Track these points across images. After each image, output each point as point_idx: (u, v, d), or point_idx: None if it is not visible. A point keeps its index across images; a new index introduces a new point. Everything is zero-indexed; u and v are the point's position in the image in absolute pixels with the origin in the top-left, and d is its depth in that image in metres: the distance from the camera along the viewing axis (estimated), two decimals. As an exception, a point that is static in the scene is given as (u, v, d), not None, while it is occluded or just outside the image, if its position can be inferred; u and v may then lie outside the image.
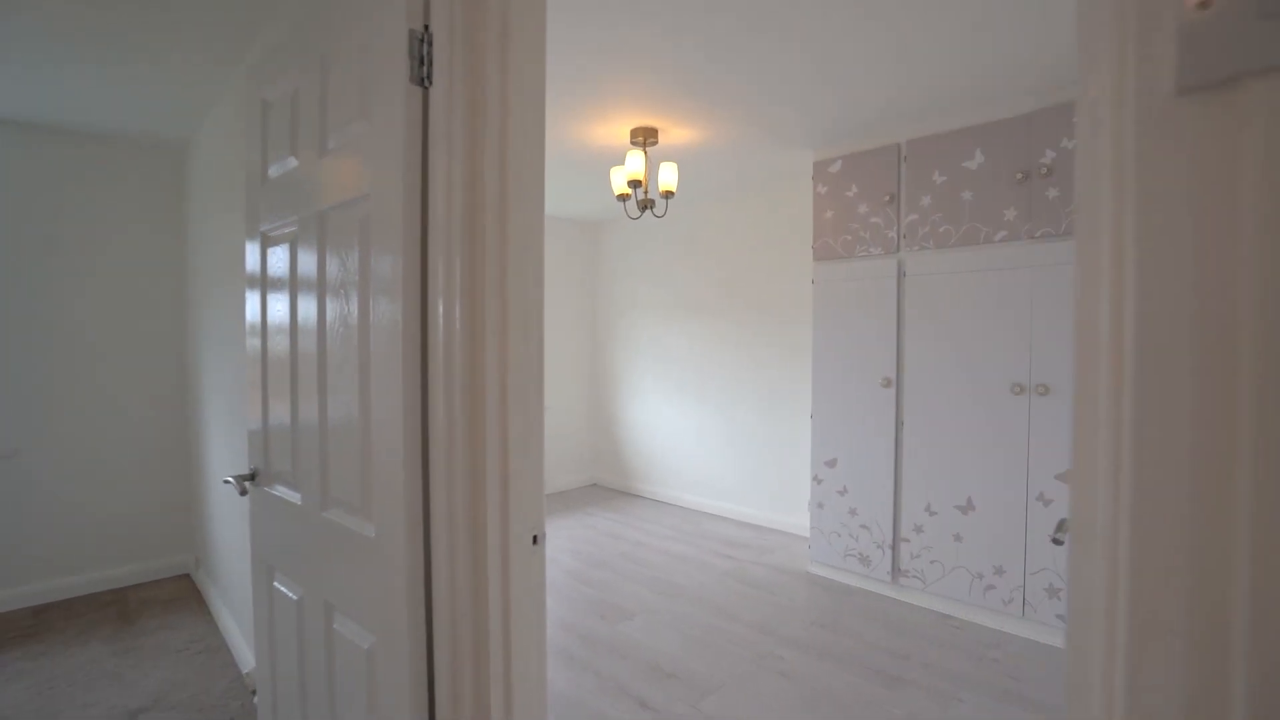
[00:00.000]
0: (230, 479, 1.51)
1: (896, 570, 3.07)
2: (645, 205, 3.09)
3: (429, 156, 1.10)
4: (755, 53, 2.32)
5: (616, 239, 5.40)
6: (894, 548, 3.08)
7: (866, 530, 3.18)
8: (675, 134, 3.11)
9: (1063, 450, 2.54)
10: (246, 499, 1.62)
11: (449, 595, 1.09)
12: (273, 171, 1.48)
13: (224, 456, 2.62)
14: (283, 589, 1.47)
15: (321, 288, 1.30)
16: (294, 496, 1.40)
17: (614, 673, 2.45)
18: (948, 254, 2.87)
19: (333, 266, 1.26)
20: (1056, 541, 1.15)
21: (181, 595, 3.14)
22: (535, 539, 1.14)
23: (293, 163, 1.40)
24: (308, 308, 1.34)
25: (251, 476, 1.56)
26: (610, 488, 5.48)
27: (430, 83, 1.08)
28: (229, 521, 2.57)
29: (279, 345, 1.45)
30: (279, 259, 1.46)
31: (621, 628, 2.82)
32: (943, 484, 2.89)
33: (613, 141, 3.22)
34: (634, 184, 2.96)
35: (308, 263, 1.34)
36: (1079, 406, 0.53)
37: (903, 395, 3.03)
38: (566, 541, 4.01)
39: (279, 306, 1.45)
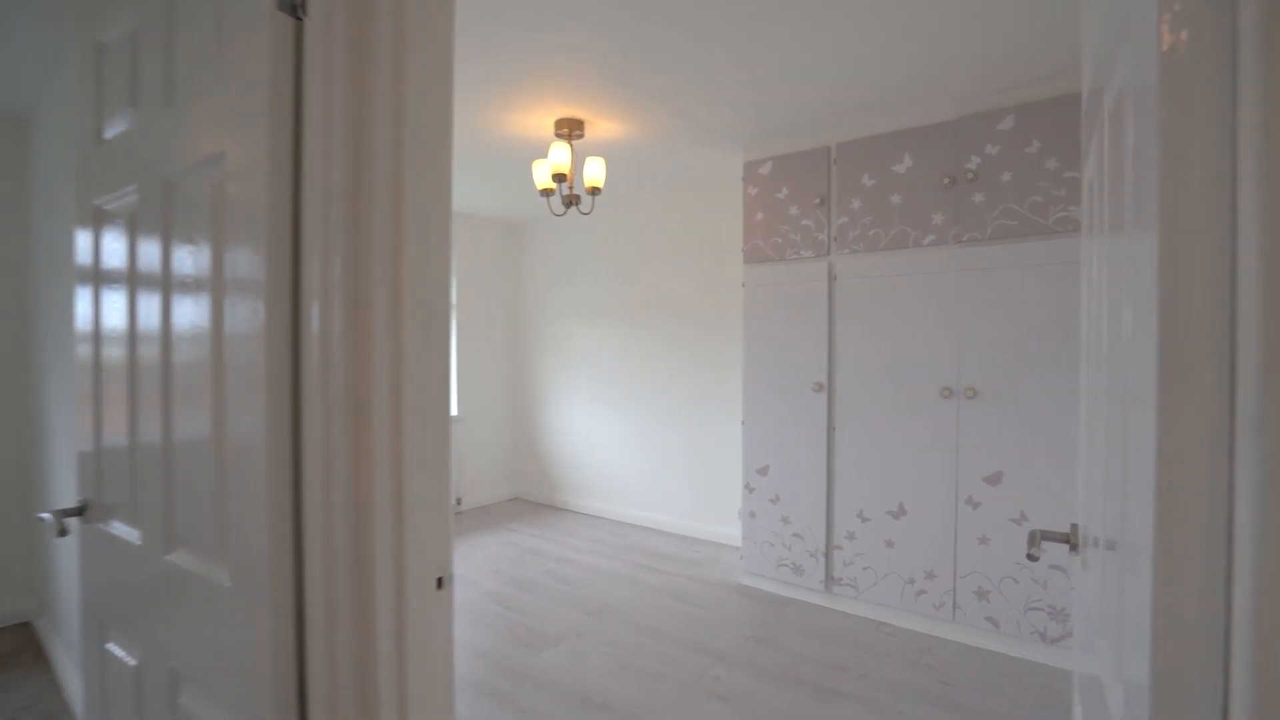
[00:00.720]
0: (48, 514, 1.20)
1: (830, 579, 3.02)
2: (570, 201, 2.91)
3: (302, 109, 0.87)
4: (681, 52, 2.25)
5: (541, 240, 5.17)
6: (827, 556, 3.03)
7: (799, 539, 3.11)
8: (602, 127, 2.94)
9: (990, 453, 2.56)
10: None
11: (325, 659, 0.86)
12: (109, 131, 1.20)
13: (69, 483, 2.20)
14: (118, 652, 1.17)
15: (167, 277, 1.03)
16: (133, 535, 1.12)
17: (539, 707, 2.23)
18: (878, 257, 2.85)
19: (181, 250, 1.01)
20: (1031, 558, 1.06)
21: (19, 648, 2.64)
22: (440, 581, 0.94)
23: (132, 117, 1.12)
24: (150, 303, 1.07)
25: (80, 510, 1.25)
26: (534, 501, 5.22)
27: (305, 12, 0.86)
28: (74, 561, 2.16)
29: (116, 351, 1.17)
30: (115, 243, 1.17)
31: (546, 655, 2.60)
32: (875, 489, 2.86)
33: (536, 133, 3.02)
34: (558, 178, 2.77)
35: (150, 246, 1.07)
36: (1165, 441, 0.40)
37: (834, 400, 2.99)
38: (487, 561, 3.74)
39: (116, 302, 1.17)
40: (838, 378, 2.97)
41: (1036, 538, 1.03)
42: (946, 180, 2.66)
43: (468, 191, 4.21)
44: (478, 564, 3.69)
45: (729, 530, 4.02)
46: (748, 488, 3.30)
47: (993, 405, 2.55)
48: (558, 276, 5.04)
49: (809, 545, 3.08)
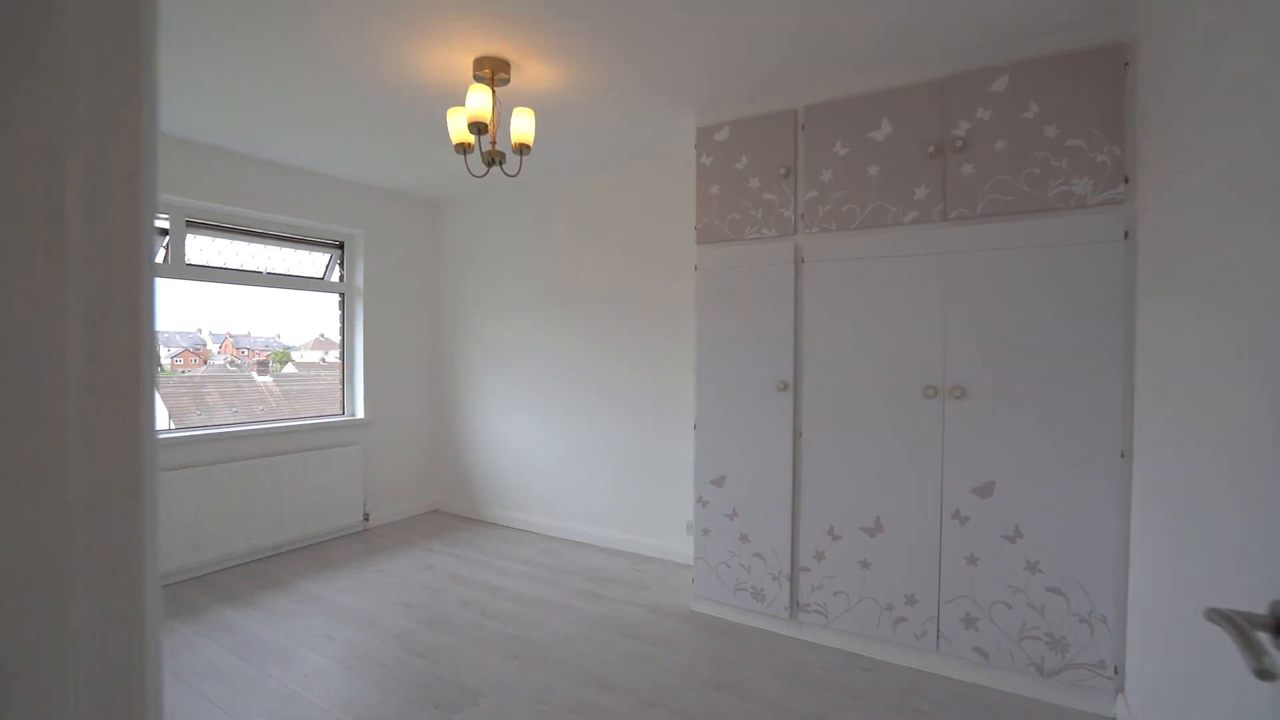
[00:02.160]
0: None
1: (795, 605, 2.65)
2: (492, 160, 2.39)
3: None
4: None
5: (463, 220, 4.59)
6: (792, 579, 2.65)
7: (760, 559, 2.72)
8: (532, 72, 2.44)
9: (980, 460, 2.24)
10: None
11: None
12: None
13: None
14: None
15: None
16: None
17: (448, 803, 1.73)
18: (852, 237, 2.49)
19: None
20: (1267, 675, 0.65)
21: None
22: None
23: None
24: None
25: None
26: (455, 514, 4.64)
27: None
28: None
29: None
30: None
31: (462, 719, 2.10)
32: (848, 503, 2.50)
33: (451, 76, 2.48)
34: (477, 129, 2.25)
35: None
36: None
37: (801, 401, 2.61)
38: (396, 591, 3.16)
39: None
40: (805, 375, 2.60)
41: (1252, 635, 0.62)
42: (931, 149, 2.32)
43: (371, 159, 3.60)
44: (384, 595, 3.11)
45: (677, 546, 3.60)
46: (700, 501, 2.89)
47: (983, 406, 2.23)
48: (483, 262, 4.48)
49: (771, 567, 2.69)
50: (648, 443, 3.72)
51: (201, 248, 3.54)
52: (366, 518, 4.22)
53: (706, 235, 2.86)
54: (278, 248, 3.90)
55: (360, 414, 4.26)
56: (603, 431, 3.90)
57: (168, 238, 3.36)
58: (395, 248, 4.44)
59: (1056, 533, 2.12)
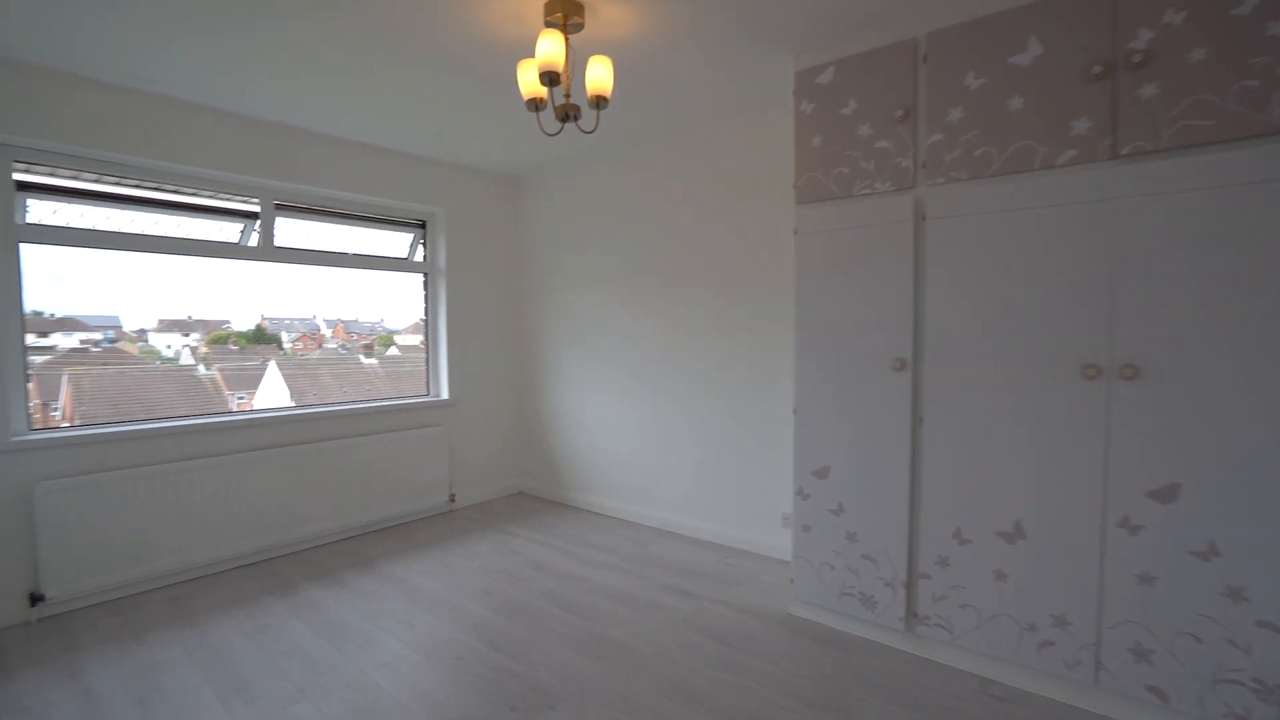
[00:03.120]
0: None
1: (912, 616, 2.30)
2: (566, 115, 2.17)
3: None
4: None
5: (544, 194, 4.44)
6: (909, 586, 2.30)
7: (870, 562, 2.39)
8: (609, 15, 2.19)
9: (1160, 456, 1.80)
10: None
11: None
12: None
13: None
14: None
15: None
16: None
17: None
18: (987, 186, 2.08)
19: None
20: None
21: None
22: None
23: None
24: None
25: None
26: (539, 497, 4.56)
27: None
28: None
29: None
30: None
31: (539, 726, 1.94)
32: (979, 502, 2.12)
33: (521, 29, 2.27)
34: (549, 80, 2.03)
35: None
36: None
37: (922, 382, 2.24)
38: (478, 577, 3.08)
39: None
40: (927, 352, 2.22)
41: None
42: (1097, 69, 1.86)
43: (448, 132, 3.48)
44: (465, 581, 3.03)
45: (773, 540, 3.31)
46: (800, 493, 2.58)
47: (1165, 389, 1.79)
48: (565, 237, 4.31)
49: (884, 571, 2.35)
50: (741, 427, 3.43)
51: (290, 230, 3.58)
52: (452, 499, 4.21)
53: (808, 194, 2.51)
54: (363, 228, 3.90)
55: (445, 395, 4.23)
56: (691, 414, 3.65)
57: (258, 221, 3.41)
58: (476, 225, 4.37)
59: (1269, 553, 1.66)
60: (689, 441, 3.67)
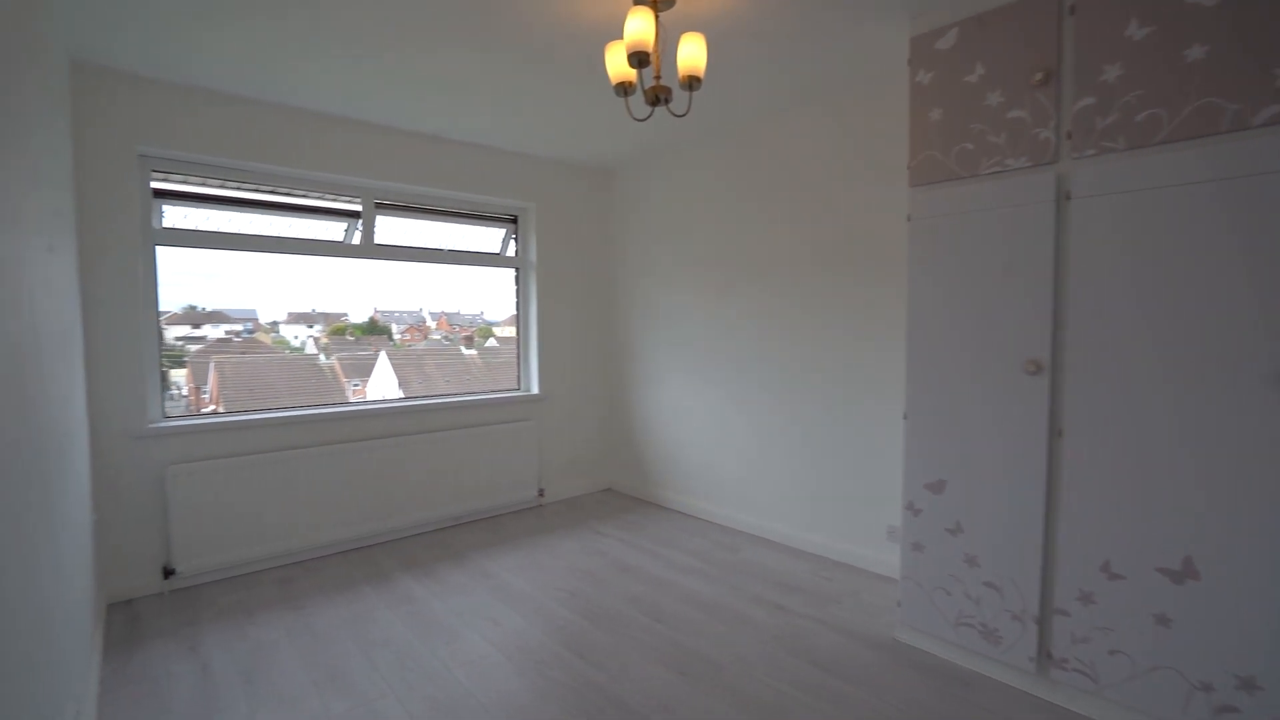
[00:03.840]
0: None
1: (1046, 657, 2.00)
2: (657, 97, 2.04)
3: None
4: None
5: (635, 186, 4.34)
6: (1043, 622, 2.00)
7: (994, 591, 2.10)
8: (702, -12, 2.03)
9: (1396, 490, 1.42)
10: None
11: None
12: None
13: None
14: None
15: None
16: None
17: None
18: (1155, 156, 1.74)
19: None
20: None
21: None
22: None
23: None
24: None
25: None
26: (628, 494, 4.49)
27: None
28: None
29: None
30: None
31: (620, 745, 1.84)
32: (1136, 532, 1.79)
33: (611, 11, 2.16)
34: (638, 61, 1.91)
35: None
36: None
37: (1063, 388, 1.93)
38: (564, 577, 3.04)
39: None
40: (1070, 354, 1.90)
41: None
42: (1312, 4, 1.49)
43: (539, 126, 3.45)
44: (551, 580, 3.00)
45: (876, 554, 3.05)
46: (911, 508, 2.33)
47: (1406, 404, 1.41)
48: (657, 229, 4.20)
49: (1011, 602, 2.06)
50: (843, 431, 3.18)
51: (390, 227, 3.69)
52: (541, 494, 4.23)
53: (924, 174, 2.24)
54: (457, 225, 3.97)
55: (535, 389, 4.25)
56: (790, 415, 3.43)
57: (360, 219, 3.53)
58: (567, 219, 4.34)
59: None
60: (786, 444, 3.45)
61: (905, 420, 2.33)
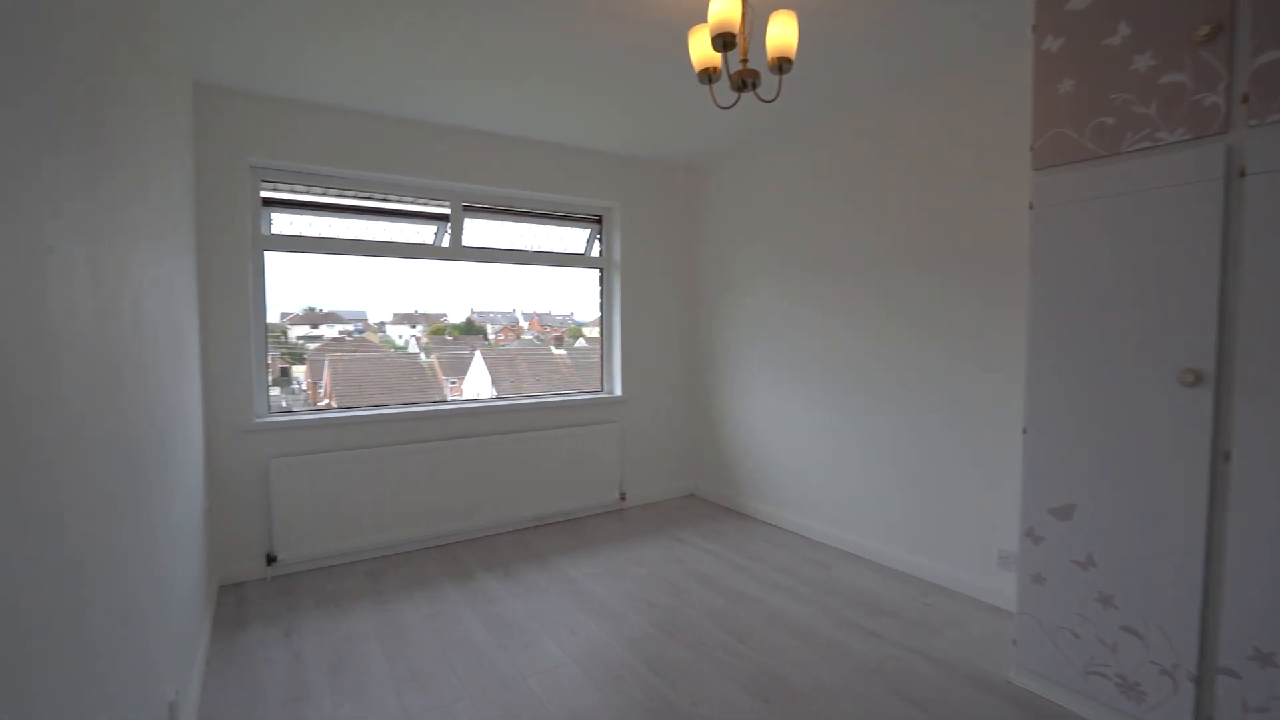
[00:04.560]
0: None
1: (1205, 722, 1.69)
2: (744, 82, 1.89)
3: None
4: None
5: (722, 184, 4.19)
6: (1202, 682, 1.69)
7: (1136, 638, 1.80)
8: (794, -40, 1.87)
9: None
10: None
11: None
12: None
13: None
14: None
15: None
16: None
17: None
18: (1364, 119, 1.41)
19: None
20: None
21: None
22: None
23: None
24: None
25: None
26: (712, 501, 4.35)
27: None
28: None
29: None
30: None
31: (696, 776, 1.71)
32: (1333, 582, 1.46)
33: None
34: (723, 43, 1.78)
35: None
36: None
37: (1230, 400, 1.61)
38: (643, 586, 2.95)
39: None
40: (1241, 363, 1.59)
41: None
42: None
43: (622, 123, 3.38)
44: (630, 588, 2.92)
45: (984, 581, 2.75)
46: (1031, 535, 2.05)
47: None
48: (744, 228, 4.03)
49: (1159, 653, 1.76)
50: (948, 443, 2.89)
51: (478, 230, 3.75)
52: (623, 497, 4.17)
53: (1051, 156, 1.96)
54: (542, 225, 3.98)
55: (618, 391, 4.20)
56: (889, 423, 3.17)
57: (449, 223, 3.61)
58: (651, 218, 4.26)
59: None
60: (883, 455, 3.19)
61: (1024, 435, 2.05)
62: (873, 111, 3.14)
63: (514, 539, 3.60)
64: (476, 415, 3.64)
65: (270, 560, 3.04)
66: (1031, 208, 2.02)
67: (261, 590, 2.92)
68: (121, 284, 1.34)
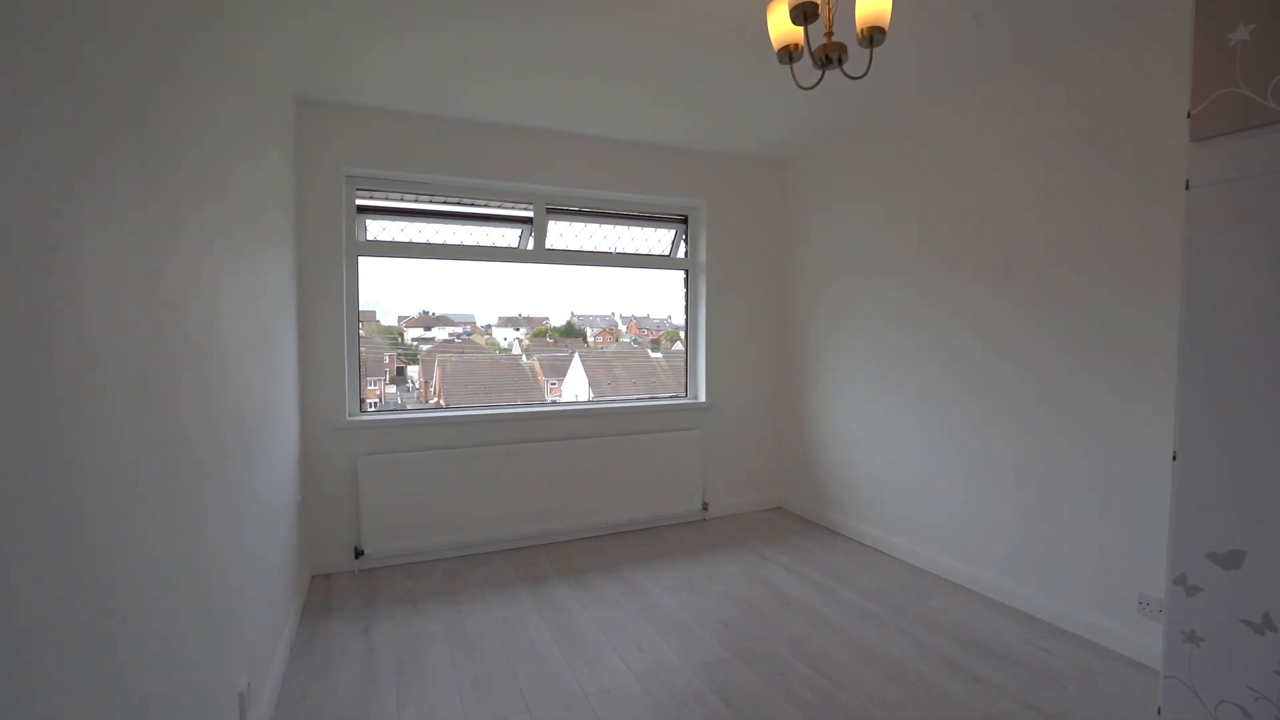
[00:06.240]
0: None
1: None
2: (828, 57, 1.70)
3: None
4: None
5: (813, 179, 3.94)
6: None
7: (1332, 723, 1.43)
8: (888, -84, 1.65)
9: None
10: None
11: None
12: None
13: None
14: None
15: None
16: None
17: None
18: None
19: None
20: None
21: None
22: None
23: None
24: None
25: None
26: (799, 515, 4.09)
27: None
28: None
29: None
30: None
31: (763, 829, 1.54)
32: None
33: (774, -34, 1.87)
34: (804, 15, 1.60)
35: None
36: None
37: None
38: (720, 604, 2.79)
39: None
40: None
41: None
42: None
43: (707, 116, 3.23)
44: (706, 606, 2.76)
45: (1116, 626, 2.35)
46: (1183, 582, 1.70)
47: None
48: (837, 226, 3.75)
49: (1364, 747, 1.38)
50: (1075, 465, 2.51)
51: (561, 232, 3.73)
52: (705, 507, 4.01)
53: (1216, 121, 1.61)
54: (626, 227, 3.91)
55: (702, 397, 4.04)
56: (1005, 439, 2.82)
57: (532, 225, 3.61)
58: (739, 216, 4.07)
59: None
60: (998, 474, 2.84)
61: (1174, 461, 1.71)
62: (984, 90, 2.79)
63: (591, 545, 3.54)
64: (563, 419, 3.61)
65: (358, 554, 3.15)
66: (1188, 188, 1.67)
67: (347, 583, 3.03)
68: (187, 287, 1.37)
